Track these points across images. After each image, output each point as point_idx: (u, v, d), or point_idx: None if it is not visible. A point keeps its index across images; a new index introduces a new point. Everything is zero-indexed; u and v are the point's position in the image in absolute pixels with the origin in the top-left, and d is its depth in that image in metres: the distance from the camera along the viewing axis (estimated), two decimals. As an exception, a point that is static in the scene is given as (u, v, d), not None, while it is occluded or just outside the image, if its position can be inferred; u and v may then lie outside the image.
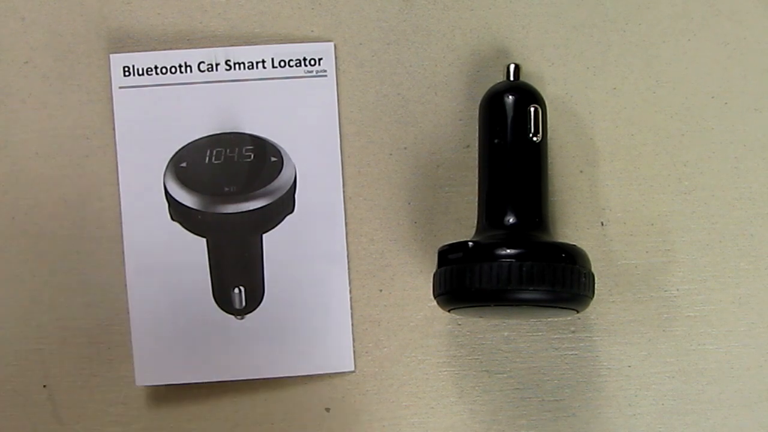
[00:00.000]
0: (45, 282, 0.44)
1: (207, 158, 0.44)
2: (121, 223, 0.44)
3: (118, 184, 0.44)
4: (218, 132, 0.44)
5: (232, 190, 0.44)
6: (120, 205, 0.44)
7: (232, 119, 0.44)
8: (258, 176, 0.44)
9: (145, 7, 0.45)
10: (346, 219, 0.44)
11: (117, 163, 0.44)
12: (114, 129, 0.44)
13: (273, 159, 0.44)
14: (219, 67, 0.44)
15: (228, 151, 0.44)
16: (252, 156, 0.44)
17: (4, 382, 0.44)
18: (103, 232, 0.44)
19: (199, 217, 0.43)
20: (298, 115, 0.44)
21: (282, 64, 0.44)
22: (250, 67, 0.44)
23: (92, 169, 0.44)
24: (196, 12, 0.45)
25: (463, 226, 0.44)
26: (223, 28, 0.45)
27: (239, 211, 0.43)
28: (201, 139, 0.44)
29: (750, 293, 0.44)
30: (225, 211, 0.43)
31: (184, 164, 0.44)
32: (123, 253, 0.44)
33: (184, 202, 0.43)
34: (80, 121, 0.45)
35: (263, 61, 0.44)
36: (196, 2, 0.45)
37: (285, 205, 0.44)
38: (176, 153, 0.44)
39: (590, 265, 0.40)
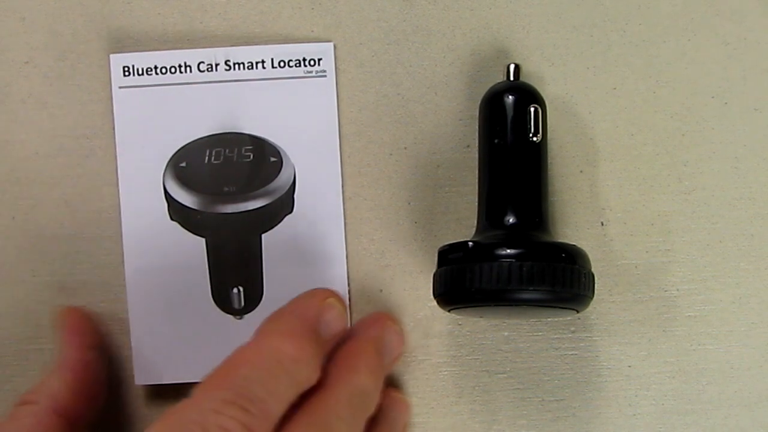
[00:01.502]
0: (45, 282, 0.44)
1: (206, 158, 0.44)
2: (121, 222, 0.44)
3: (118, 185, 0.44)
4: (218, 132, 0.44)
5: (231, 190, 0.44)
6: (119, 204, 0.44)
7: (231, 119, 0.44)
8: (257, 176, 0.44)
9: (146, 7, 0.45)
10: (345, 219, 0.44)
11: (117, 163, 0.44)
12: (114, 129, 0.44)
13: (272, 159, 0.44)
14: (219, 67, 0.44)
15: (227, 151, 0.44)
16: (251, 156, 0.44)
17: (4, 382, 0.44)
18: (103, 232, 0.44)
19: (199, 217, 0.43)
20: (297, 115, 0.44)
21: (282, 64, 0.44)
22: (250, 67, 0.44)
23: (92, 169, 0.44)
24: (196, 12, 0.45)
25: (463, 226, 0.44)
26: (223, 28, 0.45)
27: (238, 211, 0.43)
28: (200, 139, 0.44)
29: (750, 293, 0.44)
30: (224, 211, 0.43)
31: (183, 164, 0.44)
32: (123, 253, 0.44)
33: (183, 202, 0.43)
34: (80, 121, 0.45)
35: (263, 62, 0.44)
36: (196, 2, 0.45)
37: (284, 205, 0.44)
38: (176, 153, 0.44)
39: (590, 265, 0.40)
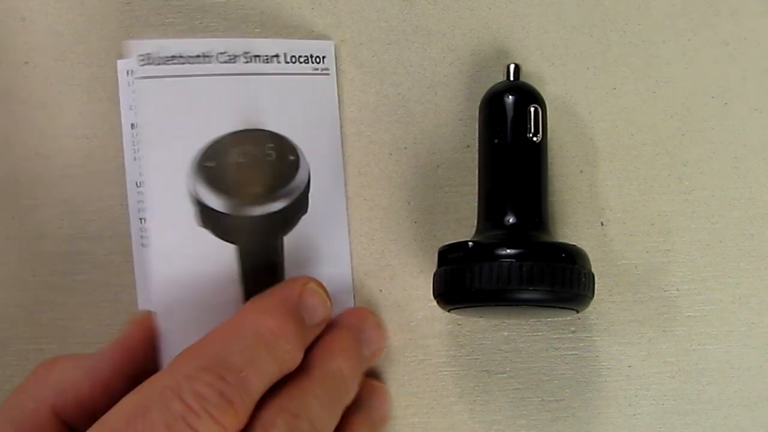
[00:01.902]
0: (45, 282, 0.44)
1: (234, 157, 0.41)
2: (119, 221, 0.43)
3: (119, 185, 0.44)
4: (241, 128, 0.42)
5: (258, 191, 0.41)
6: (127, 205, 0.43)
7: (252, 115, 0.42)
8: (278, 176, 0.42)
9: (146, 8, 0.45)
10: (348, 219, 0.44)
11: (118, 163, 0.44)
12: (114, 129, 0.44)
13: (291, 157, 0.43)
14: (238, 58, 0.42)
15: (253, 149, 0.42)
16: (273, 154, 0.42)
17: (5, 382, 0.44)
18: (103, 232, 0.44)
19: (230, 222, 0.41)
20: (306, 112, 0.44)
21: (293, 59, 0.43)
22: (266, 60, 0.43)
23: (93, 169, 0.44)
24: (196, 12, 0.45)
25: (463, 226, 0.44)
26: (222, 27, 0.45)
27: (266, 213, 0.41)
28: (227, 135, 0.41)
29: (750, 293, 0.44)
30: (253, 214, 0.41)
31: (212, 164, 0.41)
32: (124, 252, 0.44)
33: (215, 207, 0.41)
34: (80, 121, 0.45)
35: (277, 56, 0.43)
36: (197, 2, 0.45)
37: (302, 205, 0.42)
38: (204, 151, 0.41)
39: (590, 265, 0.40)
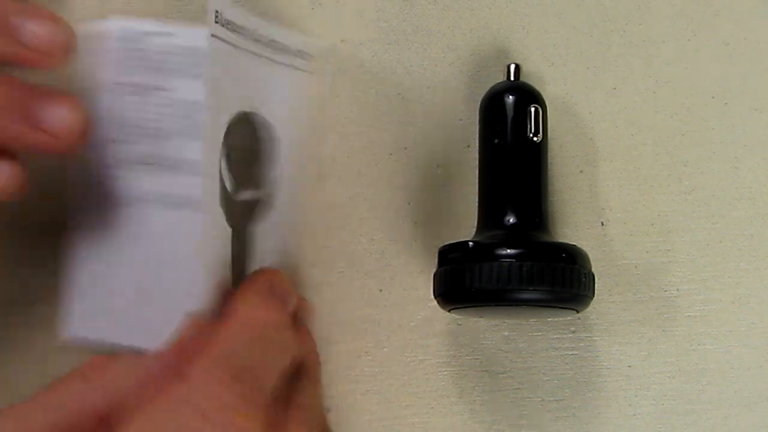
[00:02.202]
0: (45, 281, 0.44)
1: (246, 139, 0.41)
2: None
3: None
4: (242, 110, 0.41)
5: (247, 177, 0.41)
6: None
7: (253, 99, 0.41)
8: (262, 165, 0.42)
9: (145, 8, 0.45)
10: (343, 220, 0.44)
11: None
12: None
13: (273, 149, 0.43)
14: (262, 38, 0.41)
15: (257, 133, 0.41)
16: (266, 143, 0.42)
17: (4, 382, 0.44)
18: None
19: (231, 204, 0.40)
20: (292, 110, 0.43)
21: (298, 53, 0.43)
22: (280, 49, 0.42)
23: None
24: (195, 12, 0.45)
25: (463, 226, 0.44)
26: (223, 28, 0.45)
27: (251, 199, 0.42)
28: (249, 114, 0.41)
29: (750, 293, 0.44)
30: (241, 198, 0.41)
31: (235, 142, 0.40)
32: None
33: (228, 186, 0.40)
34: (80, 121, 0.45)
35: (289, 47, 0.42)
36: (196, 3, 0.45)
37: (272, 199, 0.43)
38: (231, 127, 0.40)
39: (590, 265, 0.40)
